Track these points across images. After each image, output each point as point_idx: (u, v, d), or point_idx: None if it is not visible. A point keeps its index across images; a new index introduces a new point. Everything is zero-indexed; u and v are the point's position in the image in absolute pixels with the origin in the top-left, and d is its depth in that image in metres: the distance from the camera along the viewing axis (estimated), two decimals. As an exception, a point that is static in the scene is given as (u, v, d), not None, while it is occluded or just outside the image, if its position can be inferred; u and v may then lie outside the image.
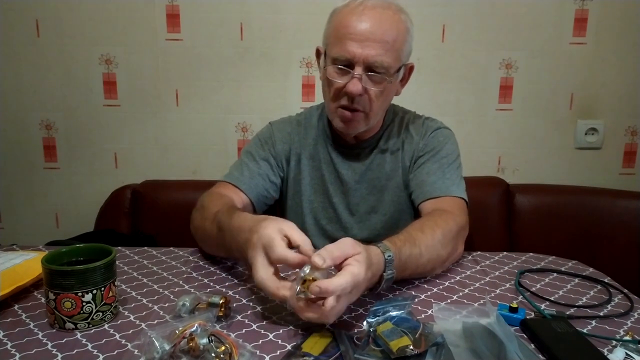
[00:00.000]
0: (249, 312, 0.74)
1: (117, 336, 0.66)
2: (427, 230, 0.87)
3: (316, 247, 0.68)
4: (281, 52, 1.80)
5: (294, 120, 1.20)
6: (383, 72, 0.97)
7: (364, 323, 0.67)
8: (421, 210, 1.03)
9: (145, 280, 0.87)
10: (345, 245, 0.68)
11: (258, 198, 1.10)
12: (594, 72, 1.81)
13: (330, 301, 0.62)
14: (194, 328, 0.59)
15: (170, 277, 0.88)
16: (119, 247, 1.01)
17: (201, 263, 0.96)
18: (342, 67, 0.98)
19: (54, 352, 0.62)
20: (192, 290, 0.83)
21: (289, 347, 0.64)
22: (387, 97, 1.05)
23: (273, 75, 1.82)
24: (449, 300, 0.80)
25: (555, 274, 0.92)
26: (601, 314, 0.75)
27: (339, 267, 0.67)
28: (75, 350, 0.63)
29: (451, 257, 0.93)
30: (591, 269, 0.95)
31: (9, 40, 1.77)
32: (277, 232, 0.69)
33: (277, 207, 1.21)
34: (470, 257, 1.00)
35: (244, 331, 0.68)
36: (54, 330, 0.68)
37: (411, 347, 0.59)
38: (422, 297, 0.81)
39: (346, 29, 0.96)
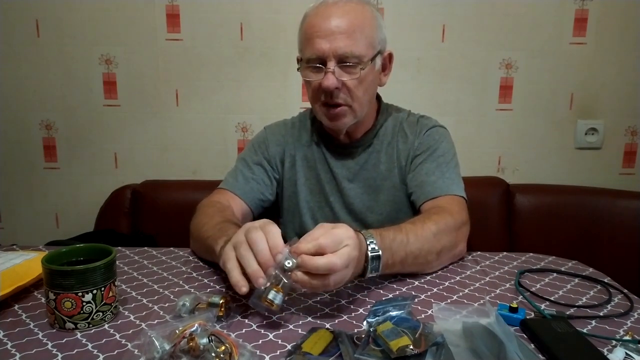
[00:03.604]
0: (249, 312, 0.74)
1: (117, 336, 0.66)
2: (418, 222, 0.89)
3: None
4: (281, 52, 1.80)
5: (289, 123, 1.22)
6: (356, 61, 0.99)
7: (364, 323, 0.67)
8: (422, 211, 1.03)
9: (145, 280, 0.87)
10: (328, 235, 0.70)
11: (254, 202, 1.13)
12: (594, 72, 1.81)
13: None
14: (194, 328, 0.59)
15: (170, 277, 0.88)
16: (119, 247, 1.01)
17: (201, 263, 0.96)
18: (315, 65, 1.00)
19: (54, 352, 0.62)
20: (192, 290, 0.83)
21: (289, 347, 0.64)
22: (369, 87, 1.05)
23: (273, 75, 1.82)
24: (449, 300, 0.80)
25: (555, 274, 0.92)
26: (601, 314, 0.75)
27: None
28: (75, 350, 0.63)
29: (448, 252, 0.92)
30: (591, 269, 0.95)
31: (9, 40, 1.77)
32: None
33: (274, 209, 1.21)
34: (470, 257, 1.00)
35: (244, 331, 0.68)
36: (54, 330, 0.68)
37: (411, 347, 0.59)
38: (422, 297, 0.81)
39: (313, 29, 0.99)
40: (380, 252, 0.78)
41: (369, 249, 0.77)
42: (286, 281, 0.68)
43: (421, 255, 0.86)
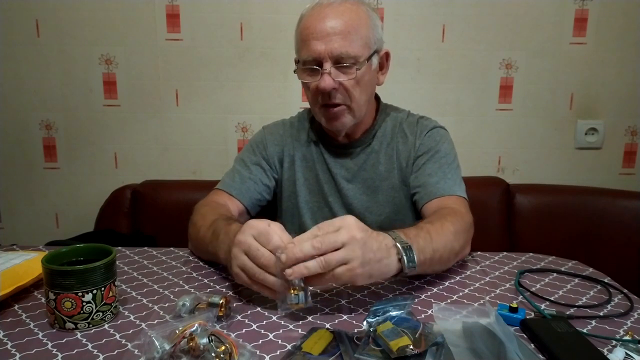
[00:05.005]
0: (249, 312, 0.74)
1: (117, 336, 0.66)
2: (436, 222, 0.87)
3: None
4: (281, 52, 1.80)
5: (287, 123, 1.21)
6: (352, 62, 0.99)
7: (364, 323, 0.67)
8: (425, 211, 1.03)
9: (145, 280, 0.87)
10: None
11: (251, 202, 1.12)
12: (594, 72, 1.82)
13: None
14: (194, 328, 0.59)
15: (170, 277, 0.88)
16: (119, 247, 1.01)
17: (201, 263, 0.96)
18: (312, 67, 1.00)
19: (54, 352, 0.62)
20: (192, 290, 0.83)
21: (289, 347, 0.64)
22: (367, 87, 1.05)
23: (273, 75, 1.82)
24: (449, 300, 0.80)
25: (555, 274, 0.92)
26: (601, 314, 0.75)
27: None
28: (75, 350, 0.63)
29: (461, 252, 0.91)
30: (591, 269, 0.95)
31: (9, 40, 1.77)
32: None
33: (272, 210, 1.21)
34: (470, 257, 1.00)
35: (244, 331, 0.68)
36: (54, 330, 0.68)
37: (411, 347, 0.59)
38: (422, 297, 0.81)
39: (308, 30, 0.99)
40: (409, 243, 0.76)
41: (398, 241, 0.75)
42: (295, 281, 0.69)
43: (444, 255, 0.85)
